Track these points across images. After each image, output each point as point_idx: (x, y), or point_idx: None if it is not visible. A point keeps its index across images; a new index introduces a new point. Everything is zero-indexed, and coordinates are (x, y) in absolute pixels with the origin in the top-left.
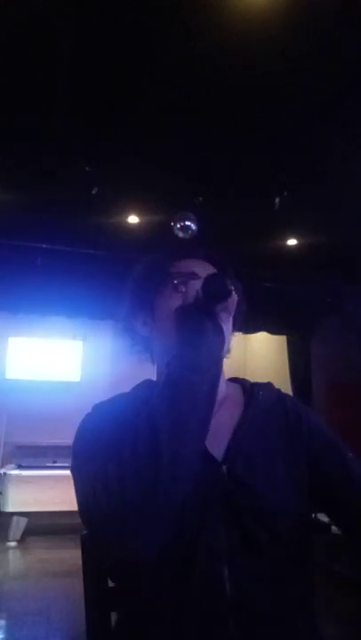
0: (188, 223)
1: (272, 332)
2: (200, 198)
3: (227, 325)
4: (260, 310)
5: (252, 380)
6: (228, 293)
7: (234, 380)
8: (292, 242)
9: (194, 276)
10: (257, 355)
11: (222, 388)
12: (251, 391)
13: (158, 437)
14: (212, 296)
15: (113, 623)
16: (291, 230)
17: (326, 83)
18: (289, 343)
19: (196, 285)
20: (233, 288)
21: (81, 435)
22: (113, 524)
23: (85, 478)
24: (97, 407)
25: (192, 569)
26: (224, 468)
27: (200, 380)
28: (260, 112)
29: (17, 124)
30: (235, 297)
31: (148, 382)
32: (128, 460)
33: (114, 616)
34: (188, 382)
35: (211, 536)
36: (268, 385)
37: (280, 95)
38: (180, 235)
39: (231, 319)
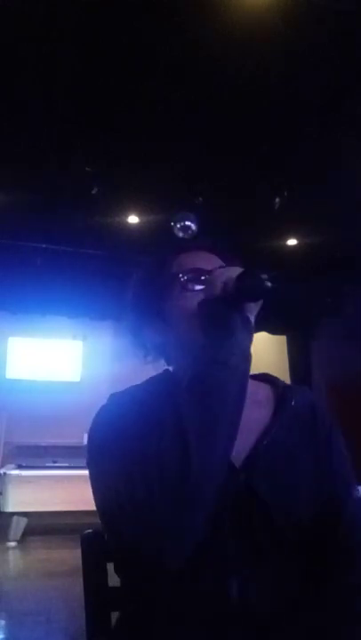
0: (188, 223)
1: (272, 332)
2: (200, 198)
3: (253, 316)
4: (260, 310)
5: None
6: (267, 293)
7: (264, 378)
8: (292, 242)
9: (201, 271)
10: (257, 355)
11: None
12: (282, 395)
13: (186, 442)
14: (247, 295)
15: (113, 623)
16: (291, 230)
17: (327, 83)
18: (289, 343)
19: (221, 277)
20: (270, 285)
21: (99, 427)
22: (136, 530)
23: (107, 478)
24: (114, 398)
25: (199, 574)
26: (242, 476)
27: (229, 378)
28: (260, 112)
29: (17, 125)
30: None
31: (165, 375)
32: (154, 466)
33: (114, 616)
34: (216, 380)
35: (221, 544)
36: (303, 390)
37: (281, 95)
38: (180, 235)
39: (258, 310)
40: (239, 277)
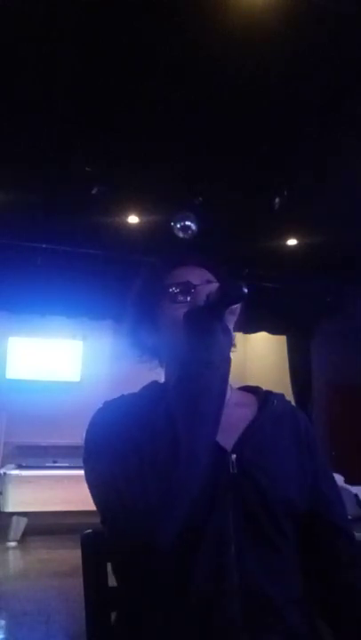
0: (188, 223)
1: (272, 332)
2: (200, 198)
3: (231, 326)
4: (260, 310)
5: (257, 384)
6: (243, 296)
7: (249, 388)
8: (292, 242)
9: (189, 284)
10: (257, 355)
11: (231, 390)
12: (265, 397)
13: (176, 429)
14: (228, 298)
15: (113, 622)
16: (291, 230)
17: (327, 83)
18: (289, 343)
19: (205, 290)
20: (247, 291)
21: (95, 426)
22: (133, 511)
23: (103, 467)
24: (108, 403)
25: (200, 552)
26: (233, 456)
27: (213, 376)
28: (260, 112)
29: (17, 125)
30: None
31: (154, 384)
32: (147, 451)
33: (114, 616)
34: (202, 378)
35: (219, 521)
36: (282, 395)
37: (281, 95)
38: (181, 235)
39: (235, 320)
40: (221, 285)
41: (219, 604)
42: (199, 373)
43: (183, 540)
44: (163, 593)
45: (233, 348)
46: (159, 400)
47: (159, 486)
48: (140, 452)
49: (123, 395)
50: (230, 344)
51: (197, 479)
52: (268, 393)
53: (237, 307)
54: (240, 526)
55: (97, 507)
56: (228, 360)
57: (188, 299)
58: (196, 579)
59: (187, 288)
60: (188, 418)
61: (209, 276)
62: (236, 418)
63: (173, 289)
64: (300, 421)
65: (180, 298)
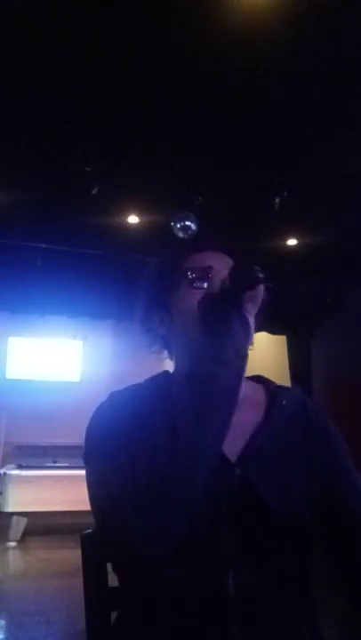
0: (188, 223)
1: (272, 332)
2: (200, 198)
3: (252, 317)
4: (261, 310)
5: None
6: (258, 280)
7: (258, 379)
8: (292, 242)
9: (210, 269)
10: (257, 355)
11: (243, 386)
12: (275, 395)
13: (177, 436)
14: (241, 283)
15: (113, 622)
16: (291, 230)
17: (327, 82)
18: (289, 343)
19: (220, 275)
20: (262, 275)
21: (96, 423)
22: (124, 518)
23: (99, 468)
24: (113, 396)
25: (197, 569)
26: (237, 471)
27: (224, 374)
28: (260, 112)
29: (17, 125)
30: (261, 287)
31: (165, 374)
32: (144, 452)
33: (114, 616)
34: (211, 376)
35: (217, 538)
36: (294, 390)
37: (280, 95)
38: (180, 235)
39: (256, 311)
40: (233, 268)
41: (216, 617)
42: (209, 371)
43: (181, 553)
44: (161, 595)
45: (251, 346)
46: (165, 396)
47: (154, 502)
48: (135, 459)
49: (128, 387)
50: (249, 338)
51: (197, 495)
52: (279, 390)
53: (259, 295)
54: (239, 540)
55: (92, 512)
56: (245, 357)
57: (206, 285)
58: (193, 594)
59: (208, 273)
60: (191, 422)
61: (231, 262)
62: (243, 420)
63: (193, 273)
64: (310, 416)
65: (200, 284)
